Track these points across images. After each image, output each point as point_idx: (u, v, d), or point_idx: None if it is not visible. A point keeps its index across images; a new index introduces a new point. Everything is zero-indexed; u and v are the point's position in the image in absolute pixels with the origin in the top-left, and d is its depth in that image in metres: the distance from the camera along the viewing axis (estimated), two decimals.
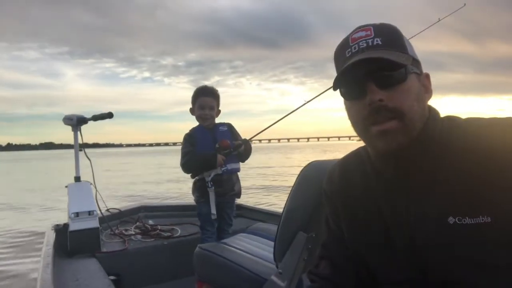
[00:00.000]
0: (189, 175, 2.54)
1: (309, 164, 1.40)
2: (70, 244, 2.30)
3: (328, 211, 0.99)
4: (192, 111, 2.60)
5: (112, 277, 2.10)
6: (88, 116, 2.74)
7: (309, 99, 2.53)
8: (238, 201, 2.80)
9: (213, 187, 2.43)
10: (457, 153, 0.76)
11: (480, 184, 0.72)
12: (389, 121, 0.75)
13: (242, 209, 3.25)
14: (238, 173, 2.61)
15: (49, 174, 21.30)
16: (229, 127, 2.62)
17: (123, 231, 2.79)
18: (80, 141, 2.72)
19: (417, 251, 0.79)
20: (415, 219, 0.79)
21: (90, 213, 2.38)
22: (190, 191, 2.61)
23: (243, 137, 2.61)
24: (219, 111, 2.61)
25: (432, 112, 0.83)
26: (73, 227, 2.33)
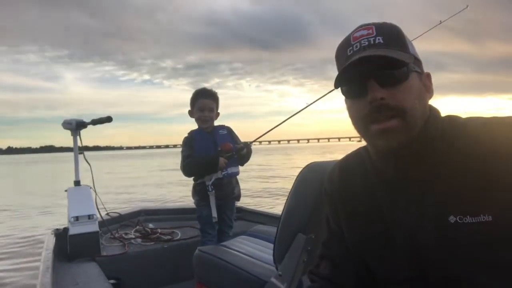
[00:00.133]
0: (188, 178, 2.53)
1: (307, 165, 1.40)
2: (70, 248, 2.30)
3: (329, 210, 0.98)
4: (191, 113, 2.58)
5: (112, 281, 2.10)
6: (87, 120, 2.74)
7: (312, 101, 2.52)
8: (238, 203, 2.79)
9: (213, 191, 2.42)
10: (458, 152, 0.76)
11: (481, 183, 0.72)
12: (390, 119, 0.75)
13: (242, 212, 3.25)
14: (237, 176, 2.60)
15: (49, 177, 21.31)
16: (229, 130, 2.61)
17: (123, 235, 2.78)
18: (79, 145, 2.72)
19: (417, 250, 0.79)
20: (416, 218, 0.78)
21: (89, 217, 2.38)
22: (190, 194, 2.60)
23: (243, 140, 2.60)
24: (218, 114, 2.60)
25: (433, 111, 0.82)
26: (73, 231, 2.32)
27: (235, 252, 1.91)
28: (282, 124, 2.68)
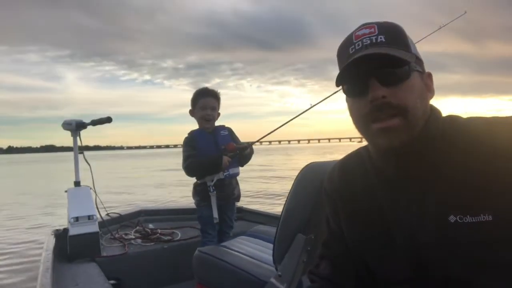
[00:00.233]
0: (189, 178, 2.52)
1: (306, 165, 1.40)
2: (70, 248, 2.30)
3: (329, 210, 0.98)
4: (192, 112, 2.56)
5: (112, 282, 2.09)
6: (87, 121, 2.74)
7: (316, 103, 2.50)
8: (239, 204, 2.79)
9: (215, 192, 2.42)
10: (459, 151, 0.76)
11: (481, 182, 0.72)
12: (392, 118, 0.75)
13: (243, 212, 3.25)
14: (237, 177, 2.60)
15: (49, 176, 21.29)
16: (230, 131, 2.60)
17: (123, 235, 2.78)
18: (79, 145, 2.72)
19: (417, 250, 0.78)
20: (416, 217, 0.78)
21: (89, 217, 2.38)
22: (190, 193, 2.60)
23: (242, 140, 2.60)
24: (219, 114, 2.59)
25: (434, 111, 0.82)
26: (73, 231, 2.32)
27: (235, 252, 1.91)
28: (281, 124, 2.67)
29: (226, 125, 2.62)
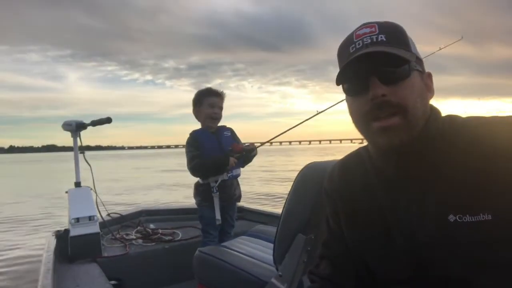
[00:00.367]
0: (189, 178, 2.52)
1: (306, 165, 1.40)
2: (71, 249, 2.30)
3: (329, 210, 0.98)
4: (196, 112, 2.54)
5: (113, 282, 2.09)
6: (87, 121, 2.74)
7: (323, 109, 2.53)
8: (239, 203, 2.79)
9: (217, 193, 2.42)
10: (458, 151, 0.76)
11: (481, 182, 0.72)
12: (392, 117, 0.75)
13: (244, 211, 3.25)
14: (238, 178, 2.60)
15: (51, 176, 21.30)
16: (232, 132, 2.60)
17: (124, 236, 2.78)
18: (80, 144, 2.72)
19: (417, 249, 0.78)
20: (416, 217, 0.78)
21: (90, 218, 2.37)
22: (192, 194, 2.60)
23: (243, 141, 2.60)
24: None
25: (434, 111, 0.82)
26: (74, 232, 2.32)
27: (236, 252, 1.91)
28: (284, 126, 2.71)
29: (227, 126, 2.63)
